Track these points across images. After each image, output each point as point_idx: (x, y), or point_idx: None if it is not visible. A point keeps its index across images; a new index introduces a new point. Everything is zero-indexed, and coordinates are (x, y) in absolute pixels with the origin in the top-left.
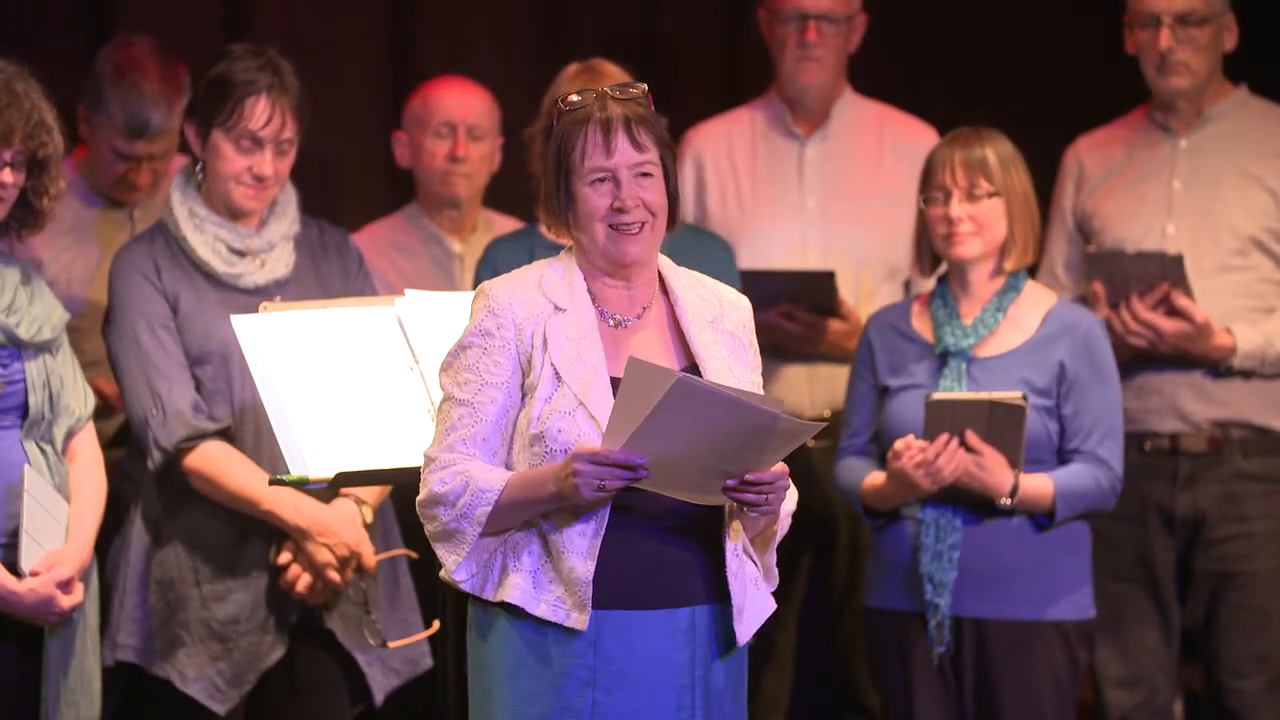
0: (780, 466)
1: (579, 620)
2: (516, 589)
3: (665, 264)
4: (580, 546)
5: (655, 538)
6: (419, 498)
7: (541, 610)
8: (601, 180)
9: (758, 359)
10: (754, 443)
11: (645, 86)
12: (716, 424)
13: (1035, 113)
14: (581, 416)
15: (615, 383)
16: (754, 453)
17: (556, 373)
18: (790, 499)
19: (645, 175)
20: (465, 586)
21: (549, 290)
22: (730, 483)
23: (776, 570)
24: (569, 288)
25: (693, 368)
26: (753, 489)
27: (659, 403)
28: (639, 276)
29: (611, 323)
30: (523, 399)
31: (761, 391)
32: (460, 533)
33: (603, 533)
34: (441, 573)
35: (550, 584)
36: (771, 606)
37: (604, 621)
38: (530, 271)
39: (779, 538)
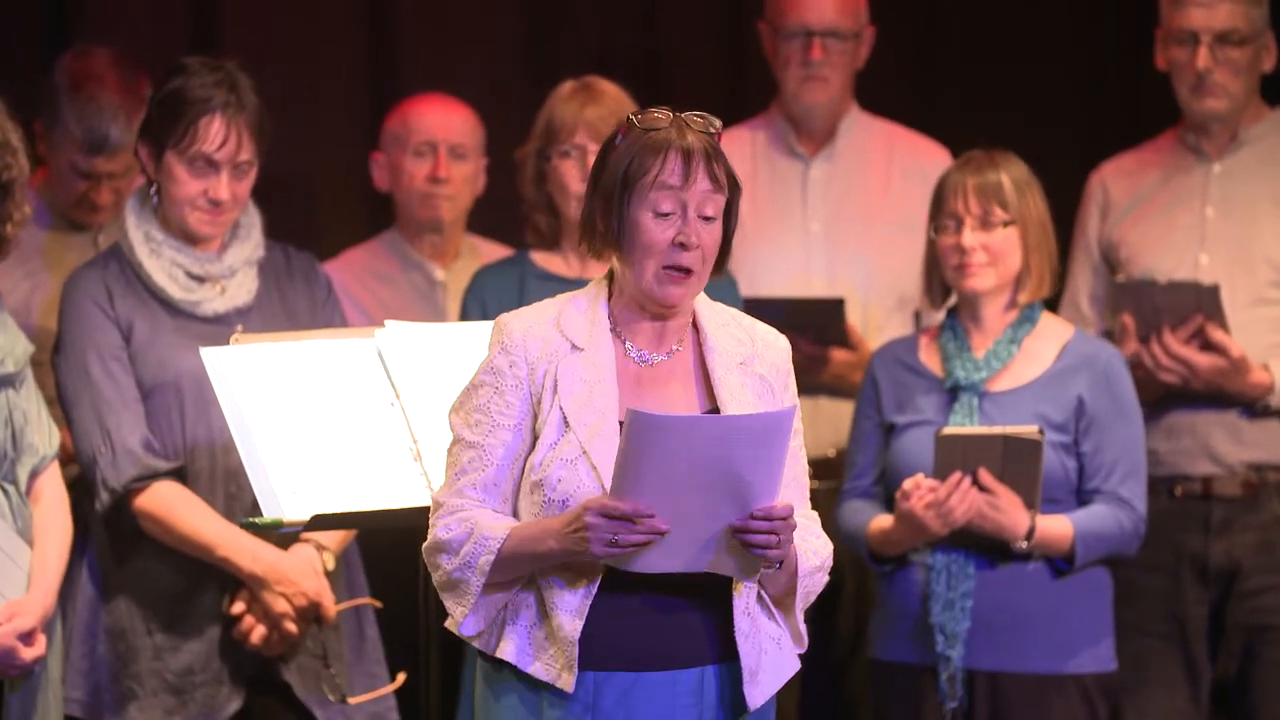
0: (786, 504)
1: (567, 682)
2: (512, 645)
3: (700, 300)
4: (570, 605)
5: (658, 595)
6: (425, 545)
7: (535, 670)
8: (668, 213)
9: (795, 401)
10: (742, 458)
11: (720, 123)
12: (695, 454)
13: (1053, 118)
14: (583, 466)
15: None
16: (751, 476)
17: (564, 418)
18: (817, 554)
19: (710, 217)
20: (476, 644)
21: (567, 327)
22: (736, 522)
23: (805, 633)
24: (591, 323)
25: (714, 411)
26: (761, 523)
27: (628, 444)
28: (674, 315)
29: (636, 360)
30: (532, 442)
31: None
32: (464, 583)
33: (595, 592)
34: (447, 623)
35: (545, 642)
36: (795, 666)
37: (604, 683)
38: (550, 306)
39: (811, 597)
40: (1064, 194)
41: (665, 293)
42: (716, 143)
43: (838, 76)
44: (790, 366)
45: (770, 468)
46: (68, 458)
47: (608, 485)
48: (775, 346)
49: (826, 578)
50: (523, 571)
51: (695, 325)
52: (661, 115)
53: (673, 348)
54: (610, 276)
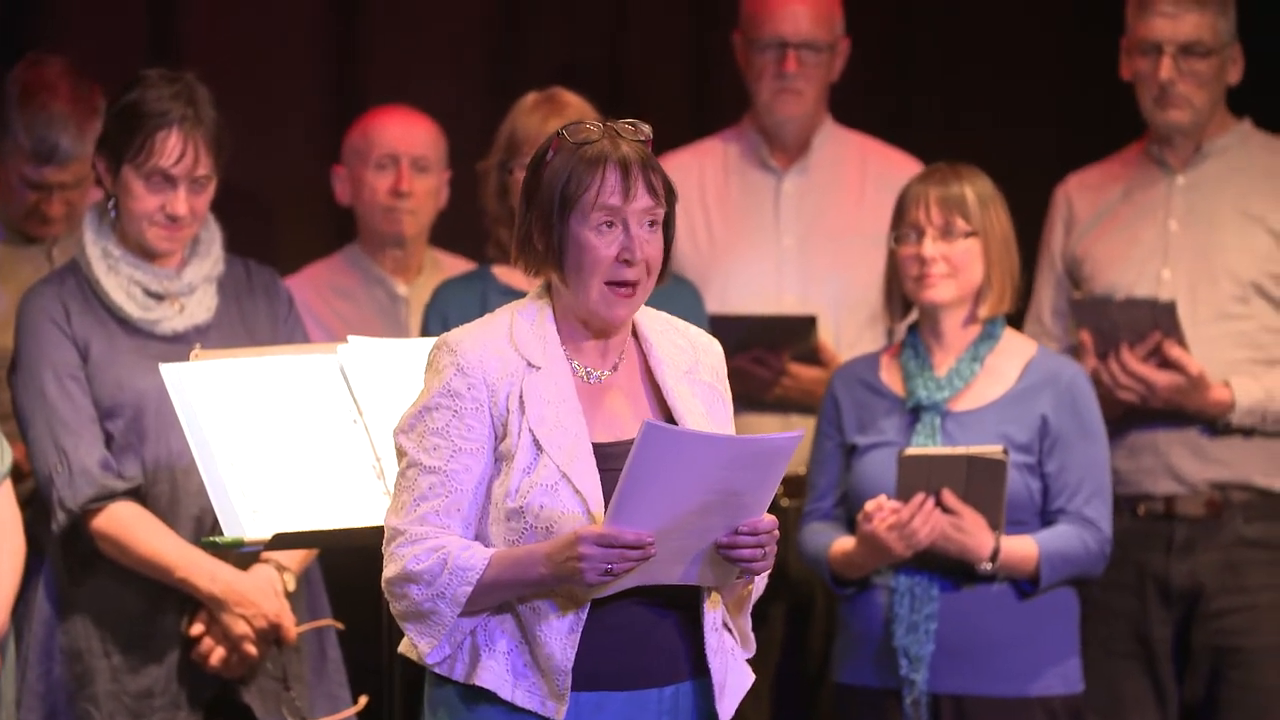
0: (771, 518)
1: (556, 710)
2: (489, 673)
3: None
4: (559, 631)
5: (635, 614)
6: (386, 575)
7: (516, 697)
8: (610, 226)
9: (731, 406)
10: (746, 478)
11: (650, 129)
12: (702, 472)
13: (1033, 128)
14: (565, 491)
15: (597, 449)
16: (748, 495)
17: (536, 440)
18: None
19: (651, 226)
20: (438, 670)
21: (521, 345)
22: (723, 539)
23: (753, 636)
24: (542, 340)
25: (670, 422)
26: (749, 539)
27: (639, 458)
28: (617, 329)
29: (584, 377)
30: (496, 465)
31: None
32: (436, 614)
33: (585, 617)
34: (401, 647)
35: (526, 669)
36: (750, 678)
37: (586, 703)
38: (498, 322)
39: (755, 598)
40: (1044, 206)
41: (611, 313)
42: (650, 150)
43: (812, 89)
44: (725, 369)
45: (767, 488)
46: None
47: (592, 508)
48: (711, 351)
49: (766, 581)
50: (501, 599)
51: (635, 334)
52: (593, 127)
53: (616, 361)
54: (549, 288)
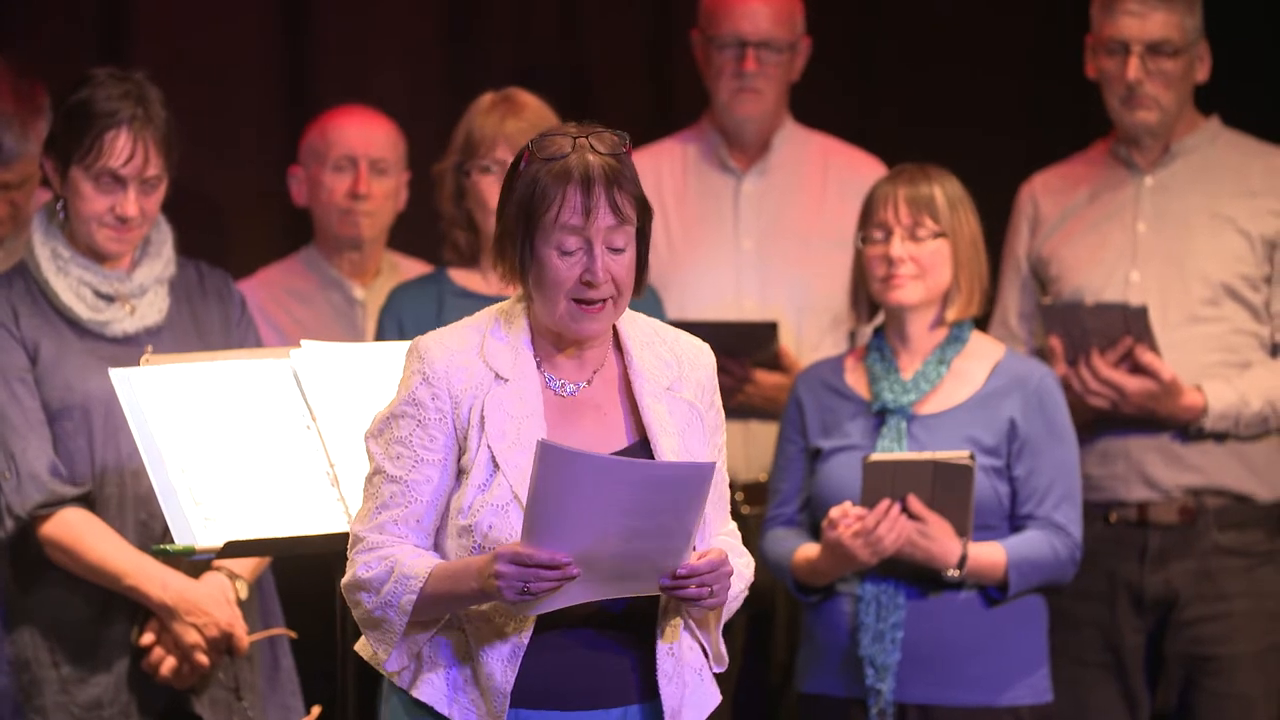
0: (717, 553)
1: None
2: (430, 686)
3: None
4: (501, 653)
5: (585, 634)
6: (343, 581)
7: (454, 713)
8: (572, 250)
9: (720, 418)
10: (659, 504)
11: (627, 136)
12: (611, 494)
13: (1000, 130)
14: (514, 512)
15: None
16: (668, 518)
17: (493, 458)
18: (740, 576)
19: (619, 247)
20: (395, 679)
21: (491, 357)
22: (664, 581)
23: (725, 652)
24: (513, 352)
25: (643, 441)
26: (691, 583)
27: (539, 478)
28: (593, 342)
29: (557, 391)
30: (457, 478)
31: (723, 457)
32: (386, 621)
33: (527, 641)
34: (357, 645)
35: (466, 686)
36: (716, 699)
37: None
38: (472, 332)
39: (728, 615)
40: (1009, 208)
41: (579, 328)
42: (621, 164)
43: (772, 88)
44: (715, 380)
45: (687, 514)
46: None
47: None
48: (699, 363)
49: (746, 592)
50: (447, 611)
51: (618, 344)
52: (563, 141)
53: (594, 373)
54: (528, 297)
